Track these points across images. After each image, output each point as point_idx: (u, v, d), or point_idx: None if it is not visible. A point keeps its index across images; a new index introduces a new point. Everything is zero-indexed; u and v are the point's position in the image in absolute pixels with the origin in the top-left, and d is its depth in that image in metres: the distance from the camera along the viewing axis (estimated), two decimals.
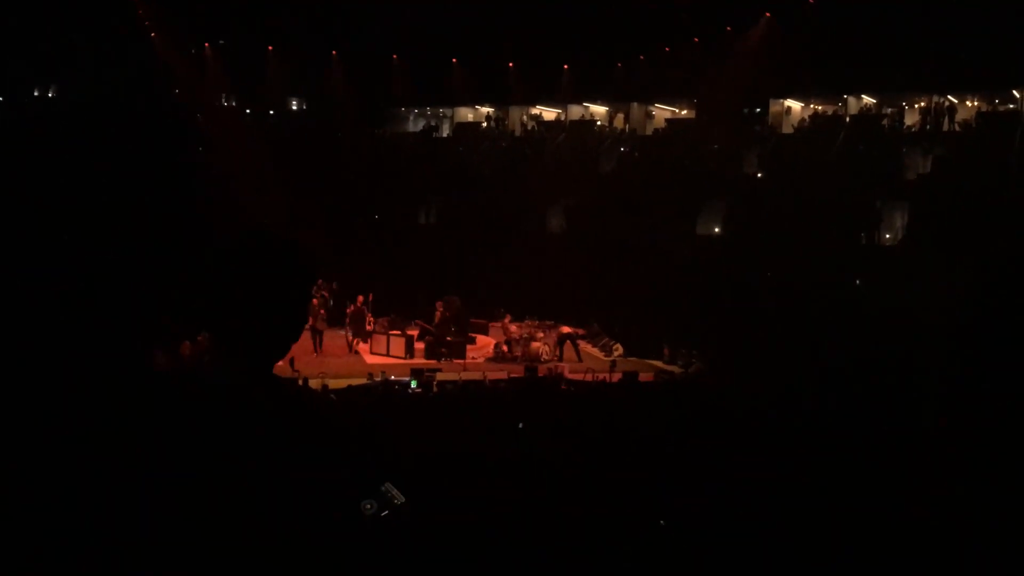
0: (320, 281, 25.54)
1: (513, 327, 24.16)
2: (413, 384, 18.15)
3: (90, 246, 26.08)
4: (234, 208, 25.33)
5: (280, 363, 21.26)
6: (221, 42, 32.31)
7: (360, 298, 23.94)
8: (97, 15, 29.35)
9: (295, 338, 2.74)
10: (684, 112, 33.91)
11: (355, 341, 23.92)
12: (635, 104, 34.21)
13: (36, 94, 33.76)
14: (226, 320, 2.73)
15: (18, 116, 31.26)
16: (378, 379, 18.88)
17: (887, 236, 26.08)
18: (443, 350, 23.10)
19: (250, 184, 27.10)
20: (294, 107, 36.55)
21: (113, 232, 26.44)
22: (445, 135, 36.99)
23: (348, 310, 24.23)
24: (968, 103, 28.63)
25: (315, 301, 23.45)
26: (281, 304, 2.65)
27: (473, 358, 23.31)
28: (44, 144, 29.02)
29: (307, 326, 22.89)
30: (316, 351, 22.63)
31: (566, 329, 23.99)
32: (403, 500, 4.71)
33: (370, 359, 22.99)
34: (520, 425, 12.07)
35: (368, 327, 23.97)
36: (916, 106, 29.36)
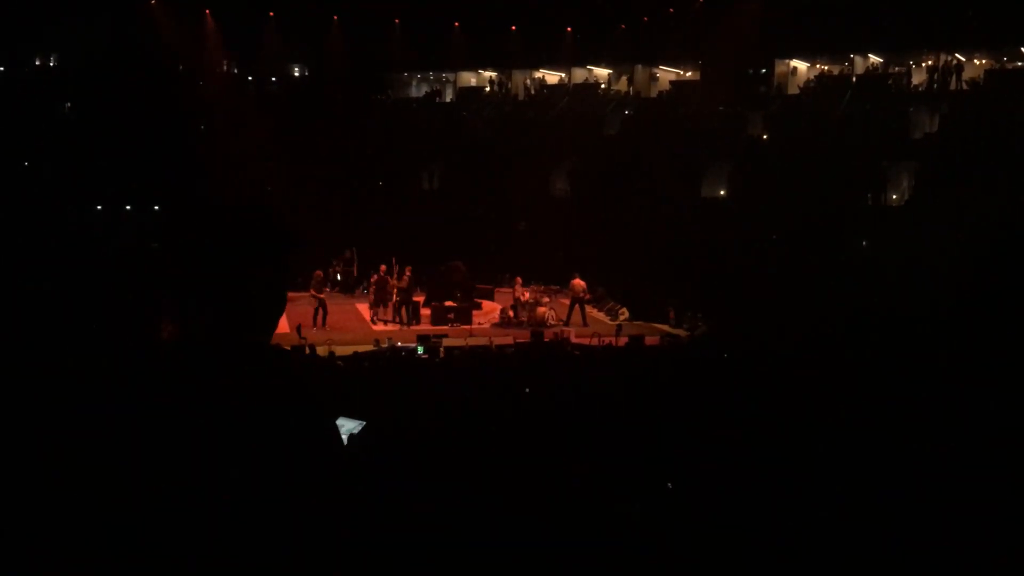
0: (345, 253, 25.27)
1: (525, 291, 24.13)
2: (420, 350, 18.19)
3: (94, 215, 26.10)
4: (236, 176, 25.29)
5: (287, 330, 21.42)
6: (222, 9, 32.08)
7: (383, 267, 23.51)
8: None
9: (275, 310, 2.70)
10: (688, 74, 33.64)
11: (377, 310, 23.59)
12: (639, 66, 33.96)
13: (37, 63, 33.62)
14: (196, 293, 2.73)
15: (19, 85, 31.16)
16: (385, 345, 18.92)
17: (894, 196, 25.96)
18: (450, 315, 23.13)
19: (252, 151, 27.00)
20: (296, 74, 36.34)
21: (117, 201, 26.44)
22: (448, 100, 36.78)
23: (372, 279, 23.88)
24: (976, 61, 28.33)
25: (318, 272, 23.22)
26: (251, 273, 2.63)
27: (479, 323, 23.35)
28: (45, 112, 28.95)
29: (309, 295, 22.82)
30: (314, 324, 21.89)
31: (579, 288, 23.71)
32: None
33: (377, 326, 23.05)
34: (527, 389, 12.10)
35: (394, 298, 23.58)
36: (923, 64, 29.08)
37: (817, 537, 6.97)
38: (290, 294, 24.48)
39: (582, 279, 23.71)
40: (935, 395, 11.94)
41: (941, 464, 8.48)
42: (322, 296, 22.53)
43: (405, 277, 23.14)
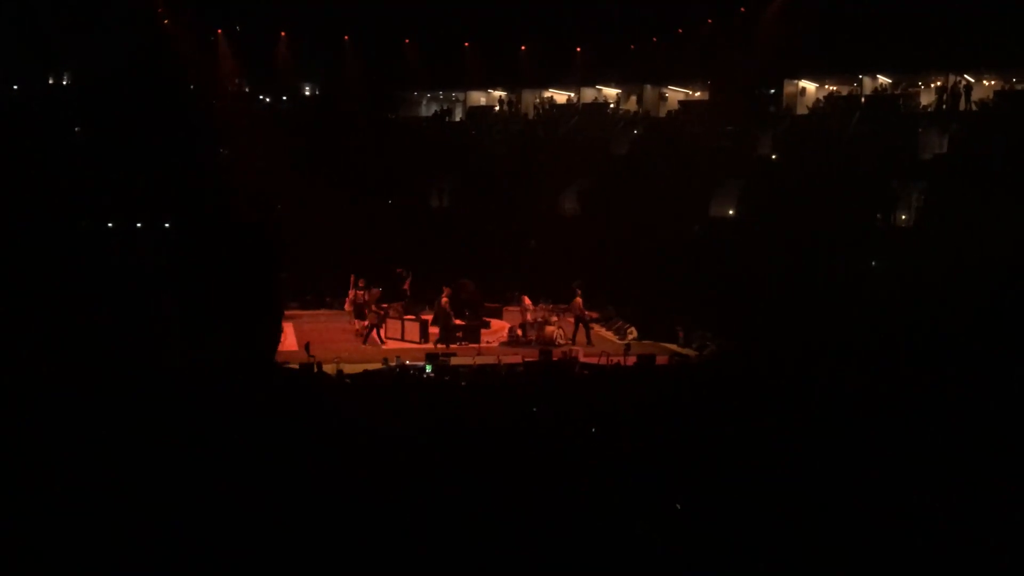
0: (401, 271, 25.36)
1: (532, 309, 24.12)
2: (428, 368, 18.20)
3: (105, 236, 26.25)
4: (246, 194, 25.41)
5: (295, 348, 21.43)
6: (235, 28, 32.36)
7: (447, 290, 23.42)
8: (110, 1, 29.45)
9: (269, 322, 2.74)
10: (698, 94, 33.72)
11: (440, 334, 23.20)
12: (648, 86, 34.06)
13: (51, 82, 33.89)
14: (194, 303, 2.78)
15: (33, 103, 31.42)
16: (393, 363, 18.93)
17: (903, 217, 25.90)
18: (458, 334, 23.12)
19: (263, 170, 27.13)
20: (307, 92, 36.57)
21: (128, 222, 26.58)
22: (458, 119, 36.96)
23: (435, 304, 23.58)
24: (985, 82, 28.35)
25: (375, 291, 23.59)
26: (257, 291, 2.68)
27: (487, 342, 23.33)
28: (58, 131, 29.18)
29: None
30: (365, 340, 22.79)
31: (577, 307, 23.68)
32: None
33: (385, 344, 23.07)
34: (534, 409, 12.10)
35: (456, 321, 23.55)
36: (932, 85, 29.10)
37: (829, 558, 6.94)
38: (296, 312, 24.70)
39: (583, 297, 23.66)
40: (946, 413, 11.89)
41: (952, 482, 8.44)
42: (381, 312, 22.99)
43: (445, 299, 23.22)
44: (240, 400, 9.19)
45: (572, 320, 24.24)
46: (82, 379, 9.90)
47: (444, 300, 23.16)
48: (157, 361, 12.42)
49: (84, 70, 32.66)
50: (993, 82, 28.31)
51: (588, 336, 23.51)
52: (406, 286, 24.74)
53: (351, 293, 24.09)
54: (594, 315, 26.10)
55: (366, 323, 23.38)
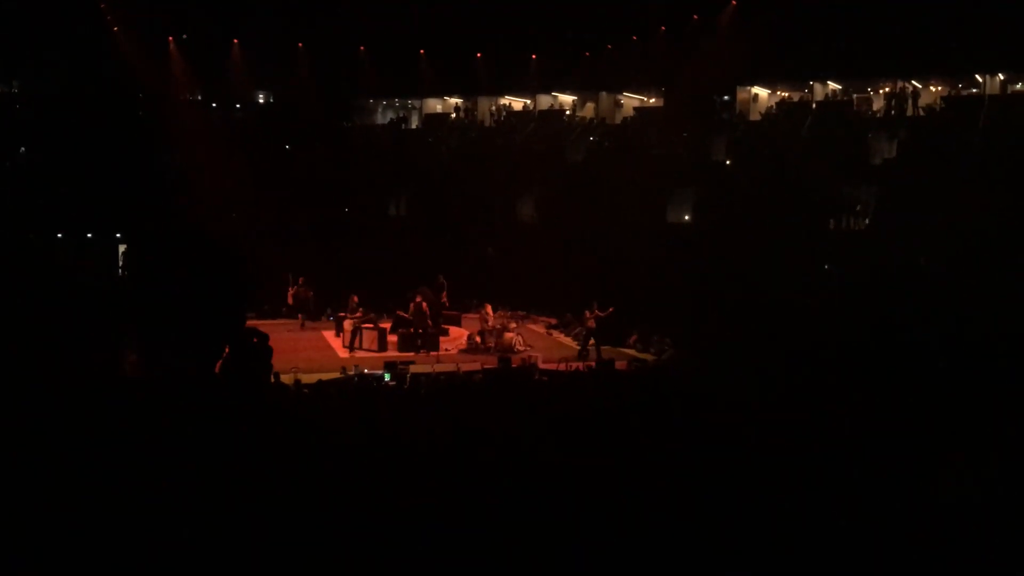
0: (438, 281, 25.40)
1: (493, 316, 24.13)
2: (387, 377, 18.10)
3: (58, 246, 25.80)
4: (200, 204, 25.11)
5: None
6: (185, 36, 31.96)
7: (420, 295, 23.52)
8: (60, 10, 28.97)
9: (229, 336, 2.72)
10: (652, 100, 34.02)
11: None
12: (604, 93, 34.29)
13: None
14: (157, 317, 2.75)
15: None
16: (351, 373, 18.81)
17: (854, 221, 26.34)
18: (418, 342, 23.05)
19: (217, 179, 26.82)
20: (260, 101, 36.26)
21: (81, 232, 26.16)
22: (414, 127, 36.90)
23: (423, 306, 23.51)
24: (932, 88, 28.95)
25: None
26: (208, 300, 2.67)
27: (447, 350, 23.30)
28: (5, 141, 28.65)
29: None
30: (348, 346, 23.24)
31: (591, 321, 23.25)
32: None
33: (343, 353, 22.95)
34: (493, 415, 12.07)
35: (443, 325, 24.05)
36: (881, 91, 29.64)
37: (786, 560, 7.01)
38: (253, 322, 24.35)
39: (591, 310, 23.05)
40: (899, 414, 12.07)
41: (908, 486, 8.58)
42: (358, 318, 23.57)
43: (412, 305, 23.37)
44: (197, 413, 9.08)
45: (534, 327, 24.23)
46: (33, 392, 9.71)
47: (421, 301, 23.30)
48: (112, 374, 12.23)
49: (33, 79, 32.10)
50: (939, 88, 28.91)
51: (597, 352, 22.47)
52: (444, 298, 24.61)
53: (291, 289, 25.90)
54: (552, 321, 26.21)
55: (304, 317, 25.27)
